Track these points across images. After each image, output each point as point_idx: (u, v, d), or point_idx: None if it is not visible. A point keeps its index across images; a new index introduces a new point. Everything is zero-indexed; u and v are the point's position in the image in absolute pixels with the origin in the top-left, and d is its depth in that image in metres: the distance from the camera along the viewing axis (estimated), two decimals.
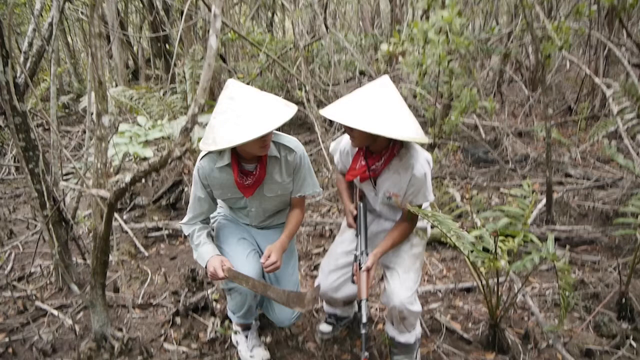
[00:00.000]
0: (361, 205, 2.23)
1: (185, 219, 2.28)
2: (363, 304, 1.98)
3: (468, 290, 2.98)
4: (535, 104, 6.62)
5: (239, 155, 2.09)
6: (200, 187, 2.18)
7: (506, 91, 7.41)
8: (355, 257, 2.12)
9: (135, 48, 9.33)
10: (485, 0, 4.92)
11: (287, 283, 2.34)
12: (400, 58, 3.01)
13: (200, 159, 2.14)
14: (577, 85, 7.08)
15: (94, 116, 2.53)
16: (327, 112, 1.96)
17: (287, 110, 1.94)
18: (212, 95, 4.87)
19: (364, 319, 1.95)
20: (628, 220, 2.50)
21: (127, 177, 2.04)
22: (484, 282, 2.37)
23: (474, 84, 3.68)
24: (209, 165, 2.12)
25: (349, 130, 1.98)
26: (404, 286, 2.12)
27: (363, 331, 1.95)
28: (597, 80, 3.87)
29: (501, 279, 2.33)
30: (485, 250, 2.19)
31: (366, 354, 1.99)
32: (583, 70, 5.04)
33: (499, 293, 2.35)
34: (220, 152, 2.09)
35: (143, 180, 4.65)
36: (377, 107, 1.87)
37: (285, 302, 2.10)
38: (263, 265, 2.10)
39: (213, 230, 2.38)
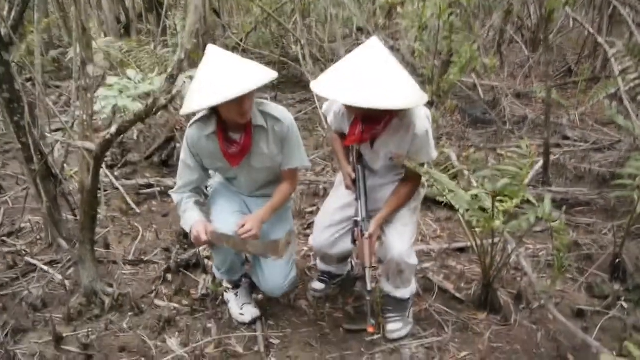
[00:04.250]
0: (359, 167, 2.16)
1: (175, 188, 2.25)
2: (367, 271, 1.96)
3: (462, 250, 2.96)
4: (535, 65, 6.47)
5: (225, 124, 2.06)
6: (190, 155, 2.16)
7: (506, 52, 7.23)
8: (356, 222, 2.08)
9: (127, 2, 9.00)
10: None
11: (275, 274, 2.26)
12: (399, 9, 2.88)
13: (189, 126, 2.11)
14: (579, 46, 6.91)
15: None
16: (319, 86, 1.90)
17: (263, 75, 1.89)
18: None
19: (369, 286, 1.93)
20: (625, 182, 2.45)
21: (113, 128, 1.96)
22: (478, 242, 2.33)
23: (474, 40, 3.55)
24: (197, 133, 2.10)
25: (358, 111, 1.94)
26: (402, 239, 2.09)
27: (368, 298, 1.94)
28: (600, 39, 3.75)
29: (495, 240, 2.29)
30: (481, 210, 2.14)
31: (372, 321, 1.99)
32: (585, 29, 4.89)
33: (493, 253, 2.32)
34: (207, 120, 2.05)
35: (135, 136, 4.54)
36: (372, 77, 1.80)
37: (263, 253, 2.10)
38: (237, 233, 2.07)
39: (205, 197, 2.34)
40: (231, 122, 2.03)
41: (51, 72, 7.21)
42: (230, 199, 2.31)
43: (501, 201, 2.12)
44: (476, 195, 2.18)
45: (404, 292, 2.21)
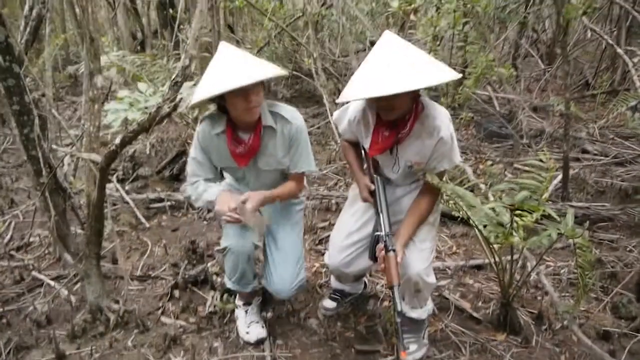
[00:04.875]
0: (378, 179, 2.03)
1: (187, 183, 2.18)
2: (395, 290, 1.79)
3: (479, 267, 2.84)
4: (552, 78, 6.35)
5: (234, 124, 2.02)
6: (200, 150, 2.10)
7: (521, 65, 7.13)
8: (378, 237, 1.92)
9: (144, 20, 9.11)
10: None
11: (285, 243, 2.22)
12: (412, 16, 2.81)
13: (200, 121, 2.07)
14: (596, 58, 6.78)
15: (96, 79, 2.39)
16: (344, 94, 1.77)
17: (270, 69, 1.85)
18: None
19: (399, 307, 1.78)
20: None
21: (117, 139, 1.91)
22: (496, 259, 2.22)
23: (489, 51, 3.47)
24: (207, 129, 2.05)
25: (384, 104, 1.79)
26: (421, 256, 1.97)
27: (398, 320, 1.76)
28: (619, 50, 3.64)
29: (515, 256, 2.18)
30: (499, 225, 2.04)
31: (405, 346, 1.83)
32: (603, 41, 4.78)
33: (512, 271, 2.21)
34: (217, 119, 2.01)
35: (147, 150, 4.51)
36: (395, 63, 1.68)
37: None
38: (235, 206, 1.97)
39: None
40: (240, 122, 1.98)
41: (67, 87, 7.29)
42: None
43: (520, 215, 2.02)
44: (494, 209, 2.08)
45: (420, 313, 2.10)
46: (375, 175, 2.04)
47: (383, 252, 1.86)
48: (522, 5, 6.05)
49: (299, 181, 2.20)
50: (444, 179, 2.11)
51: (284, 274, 2.16)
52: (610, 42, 3.90)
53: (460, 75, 1.80)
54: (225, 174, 2.30)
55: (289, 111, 2.06)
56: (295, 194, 2.24)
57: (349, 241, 2.15)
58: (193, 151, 2.12)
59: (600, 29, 6.71)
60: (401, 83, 1.62)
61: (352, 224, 2.17)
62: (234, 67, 1.81)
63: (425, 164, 1.93)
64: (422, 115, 1.87)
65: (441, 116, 1.87)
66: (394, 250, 1.84)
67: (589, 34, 6.61)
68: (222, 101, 1.91)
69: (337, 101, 1.91)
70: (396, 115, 1.83)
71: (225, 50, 1.88)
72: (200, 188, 2.11)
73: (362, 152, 2.14)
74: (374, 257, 1.96)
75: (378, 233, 1.93)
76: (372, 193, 2.03)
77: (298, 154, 2.10)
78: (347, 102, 2.10)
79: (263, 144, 2.04)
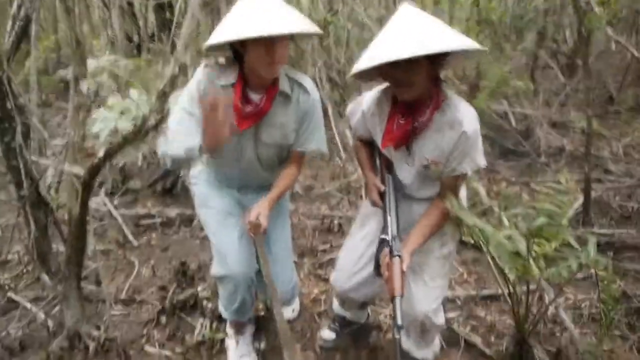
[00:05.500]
0: (389, 178, 1.92)
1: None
2: (397, 301, 1.67)
3: (492, 298, 2.77)
4: (572, 92, 6.30)
5: (246, 81, 1.87)
6: (193, 102, 1.85)
7: (540, 78, 7.09)
8: (383, 241, 1.81)
9: (141, 22, 9.16)
10: None
11: (278, 247, 2.17)
12: None
13: (203, 68, 1.89)
14: (621, 72, 6.74)
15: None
16: (362, 63, 1.63)
17: (307, 24, 1.75)
18: None
19: (399, 320, 1.64)
20: None
21: (101, 152, 1.87)
22: (510, 289, 2.16)
23: (505, 63, 3.43)
24: (210, 79, 1.85)
25: (401, 77, 1.65)
26: (429, 295, 1.88)
27: (397, 336, 1.65)
28: None
29: (531, 287, 2.11)
30: (516, 254, 1.97)
31: None
32: (629, 52, 4.74)
33: (528, 303, 2.14)
34: (227, 69, 1.86)
35: (139, 162, 4.48)
36: (411, 27, 1.58)
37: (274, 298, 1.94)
38: (247, 225, 1.90)
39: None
40: (256, 78, 1.83)
41: (58, 92, 7.29)
42: (225, 212, 2.09)
43: (538, 244, 1.95)
44: (510, 237, 2.02)
45: (426, 353, 2.02)
46: (387, 175, 1.93)
47: (387, 257, 1.74)
48: (541, 14, 6.04)
49: (301, 162, 2.10)
50: (462, 189, 2.03)
51: (281, 277, 2.12)
52: (637, 54, 3.86)
53: (486, 49, 1.69)
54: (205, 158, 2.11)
55: (308, 81, 1.95)
56: (296, 180, 2.15)
57: (359, 266, 2.06)
58: (185, 102, 1.88)
59: (625, 41, 6.69)
60: (419, 45, 1.50)
61: (362, 248, 2.07)
62: (265, 10, 1.67)
63: (444, 164, 1.80)
64: (444, 105, 1.74)
65: (466, 109, 1.75)
66: (399, 256, 1.72)
67: (613, 45, 6.58)
68: (241, 48, 1.77)
69: (348, 76, 1.80)
70: (414, 94, 1.70)
71: None
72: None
73: (376, 151, 2.03)
74: (377, 269, 1.83)
75: (383, 236, 1.81)
76: (382, 196, 1.92)
77: (310, 130, 1.98)
78: (360, 95, 2.02)
79: (273, 110, 1.89)
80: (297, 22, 1.72)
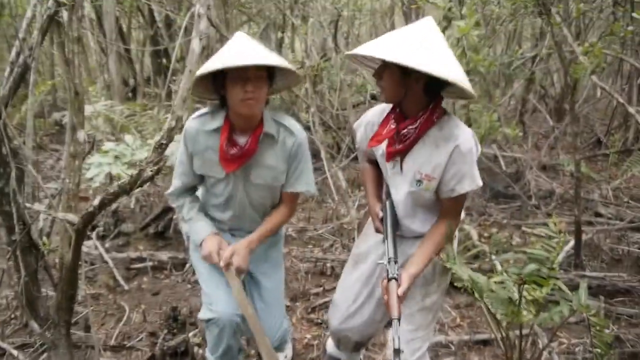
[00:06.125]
0: (387, 203, 1.91)
1: (171, 189, 2.08)
2: (394, 323, 1.62)
3: (485, 343, 2.76)
4: (561, 136, 6.45)
5: (232, 125, 1.94)
6: (184, 150, 1.98)
7: (529, 121, 7.25)
8: (380, 264, 1.79)
9: (137, 67, 9.35)
10: (508, 19, 4.80)
11: (269, 295, 2.18)
12: None
13: (192, 118, 1.97)
14: (608, 116, 6.91)
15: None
16: (356, 50, 1.76)
17: (277, 59, 1.86)
18: None
19: (397, 344, 1.57)
20: None
21: (96, 201, 1.89)
22: (504, 334, 2.16)
23: (494, 110, 3.53)
24: (197, 126, 1.94)
25: (378, 77, 1.75)
26: (411, 347, 1.87)
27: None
28: (630, 109, 3.70)
29: (524, 332, 2.12)
30: (507, 299, 1.99)
31: None
32: (614, 99, 4.88)
33: (522, 348, 2.14)
34: (214, 114, 1.95)
35: (132, 205, 4.50)
36: (418, 42, 1.63)
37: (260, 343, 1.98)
38: (219, 266, 1.97)
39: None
40: (239, 121, 1.92)
41: (52, 134, 7.36)
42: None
43: (529, 289, 1.97)
44: (501, 283, 2.04)
45: None
46: (386, 201, 1.93)
47: (385, 281, 1.72)
48: (529, 61, 6.23)
49: (292, 204, 2.14)
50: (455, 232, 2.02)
51: (269, 323, 2.13)
52: (621, 100, 3.97)
53: (474, 95, 1.72)
54: (203, 188, 2.17)
55: (293, 124, 2.02)
56: (286, 221, 2.19)
57: (355, 306, 2.05)
58: (180, 150, 2.00)
59: (611, 86, 6.89)
60: (389, 51, 1.60)
61: (358, 288, 2.06)
62: (239, 49, 1.80)
63: (441, 183, 1.78)
64: (442, 121, 1.76)
65: (465, 128, 1.77)
66: (395, 279, 1.69)
67: (598, 91, 6.77)
68: (223, 91, 1.87)
69: (345, 54, 1.92)
70: (386, 95, 1.76)
71: (239, 36, 1.89)
72: (186, 212, 2.07)
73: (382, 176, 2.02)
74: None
75: (380, 262, 1.79)
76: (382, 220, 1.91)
77: (299, 171, 2.03)
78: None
79: (260, 152, 1.96)
80: (269, 57, 1.82)
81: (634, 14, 3.19)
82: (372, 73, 1.86)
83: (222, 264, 1.96)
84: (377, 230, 1.94)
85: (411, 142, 1.77)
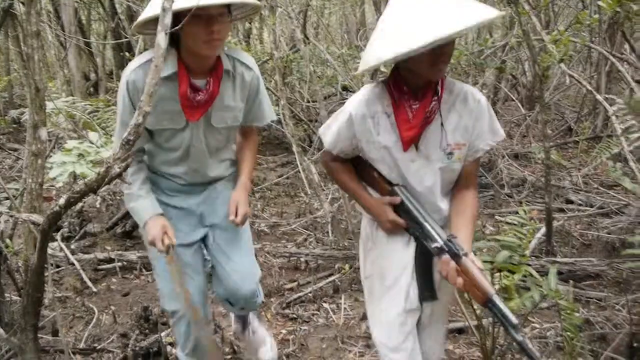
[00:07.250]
0: (402, 189, 1.69)
1: (127, 159, 1.85)
2: (496, 299, 1.48)
3: (460, 331, 2.85)
4: (533, 123, 6.62)
5: (187, 67, 1.78)
6: (130, 108, 1.78)
7: (501, 110, 7.42)
8: (439, 249, 1.57)
9: (99, 60, 9.21)
10: None
11: (242, 264, 2.09)
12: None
13: (132, 70, 1.77)
14: (577, 104, 7.11)
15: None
16: (416, 40, 1.37)
17: None
18: None
19: (513, 319, 1.46)
20: (637, 251, 2.41)
21: (61, 200, 1.89)
22: (477, 322, 2.25)
23: None
24: (143, 77, 1.70)
25: (448, 50, 1.50)
26: (439, 342, 1.97)
27: (519, 338, 1.49)
28: (598, 97, 3.83)
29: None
30: None
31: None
32: (583, 87, 5.04)
33: (495, 335, 2.23)
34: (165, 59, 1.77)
35: (97, 204, 4.46)
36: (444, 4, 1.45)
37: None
38: (234, 222, 1.89)
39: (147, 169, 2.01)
40: (195, 63, 1.77)
41: (9, 133, 7.21)
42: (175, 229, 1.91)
43: (502, 276, 2.06)
44: None
45: None
46: (395, 189, 1.70)
47: (452, 263, 1.52)
48: (500, 50, 6.37)
49: (255, 135, 2.13)
50: None
51: (242, 271, 2.07)
52: (590, 88, 4.11)
53: (502, 14, 1.57)
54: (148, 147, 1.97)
55: (246, 56, 1.94)
56: (256, 154, 2.17)
57: (405, 336, 1.80)
58: (121, 111, 1.81)
59: (580, 73, 7.09)
60: (477, 13, 1.43)
61: (395, 312, 1.79)
62: None
63: (468, 146, 1.66)
64: (447, 82, 1.66)
65: (464, 83, 1.70)
66: (466, 255, 1.51)
67: (568, 79, 6.96)
68: (179, 30, 1.58)
69: (363, 68, 1.60)
70: (443, 74, 1.59)
71: None
72: (136, 185, 1.90)
73: (363, 169, 1.79)
74: (428, 291, 1.72)
75: (435, 245, 1.59)
76: (399, 211, 1.69)
77: (261, 104, 2.01)
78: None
79: (220, 92, 1.84)
80: None
81: (600, 2, 3.31)
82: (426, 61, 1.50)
83: (230, 217, 1.90)
84: (393, 229, 1.72)
85: (433, 116, 1.63)
